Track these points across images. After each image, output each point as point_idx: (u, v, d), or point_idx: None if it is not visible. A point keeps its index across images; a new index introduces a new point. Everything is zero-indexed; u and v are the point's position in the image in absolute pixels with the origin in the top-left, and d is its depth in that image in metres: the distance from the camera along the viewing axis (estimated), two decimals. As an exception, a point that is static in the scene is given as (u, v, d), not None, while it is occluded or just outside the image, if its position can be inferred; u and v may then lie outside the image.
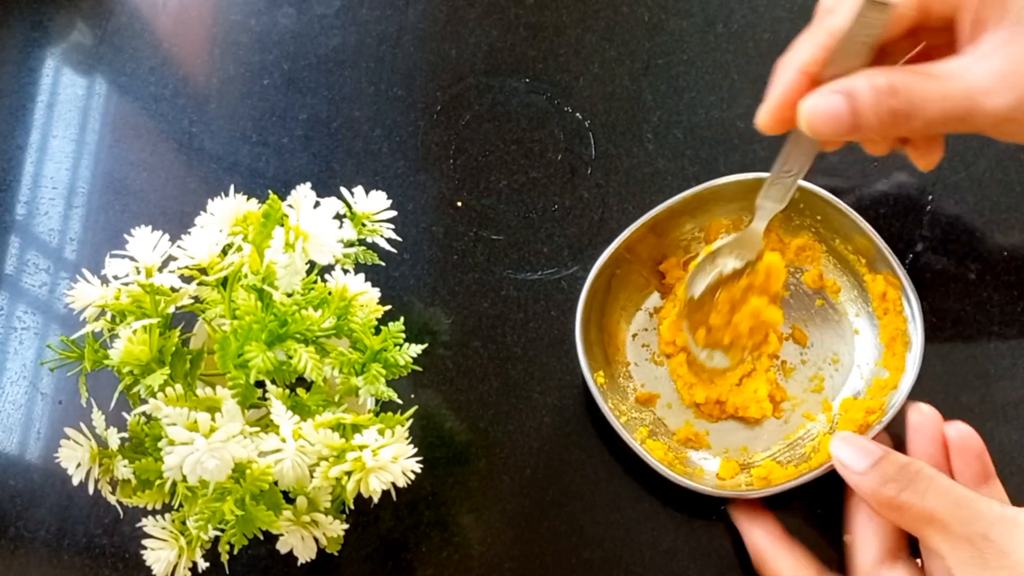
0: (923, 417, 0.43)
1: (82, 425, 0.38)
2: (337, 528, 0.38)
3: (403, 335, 0.38)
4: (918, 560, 0.41)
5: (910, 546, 0.42)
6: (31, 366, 0.51)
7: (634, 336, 0.50)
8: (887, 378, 0.46)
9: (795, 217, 0.49)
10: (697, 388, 0.48)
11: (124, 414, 0.38)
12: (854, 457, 0.41)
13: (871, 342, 0.48)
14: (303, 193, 0.37)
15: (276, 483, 0.35)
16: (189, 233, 0.38)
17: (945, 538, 0.38)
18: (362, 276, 0.39)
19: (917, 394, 0.48)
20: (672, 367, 0.49)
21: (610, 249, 0.47)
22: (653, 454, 0.45)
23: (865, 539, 0.42)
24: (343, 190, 0.41)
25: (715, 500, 0.47)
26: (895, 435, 0.45)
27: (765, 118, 0.41)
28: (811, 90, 0.39)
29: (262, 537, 0.36)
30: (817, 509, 0.46)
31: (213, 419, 0.34)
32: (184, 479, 0.34)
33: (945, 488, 0.39)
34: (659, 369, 0.50)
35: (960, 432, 0.43)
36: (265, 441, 0.35)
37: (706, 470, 0.47)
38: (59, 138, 0.55)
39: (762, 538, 0.44)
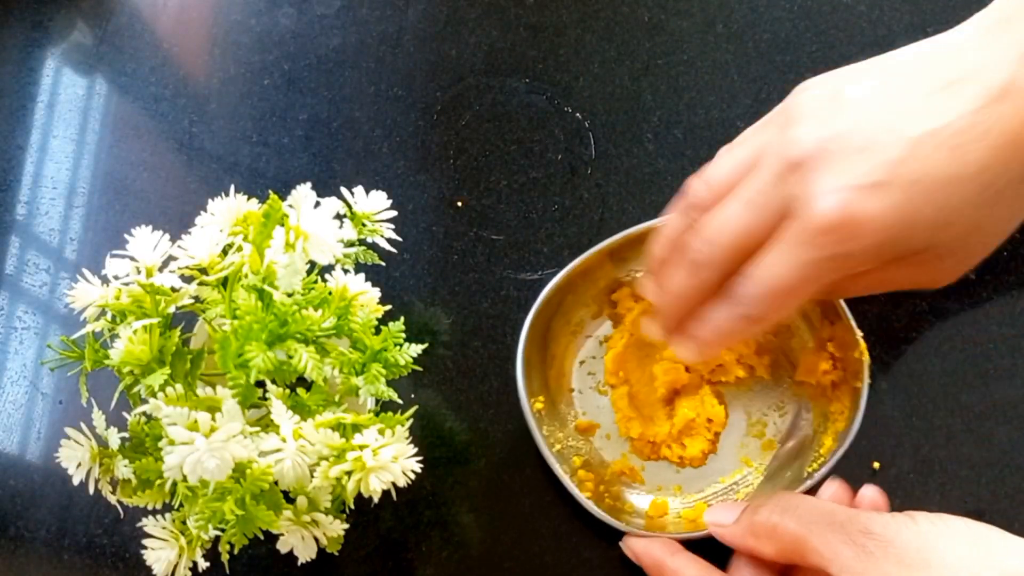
0: (838, 490, 0.43)
1: (82, 425, 0.38)
2: (337, 528, 0.38)
3: (403, 335, 0.38)
4: None
5: None
6: (31, 366, 0.51)
7: (581, 363, 0.49)
8: (837, 425, 0.45)
9: None
10: (634, 423, 0.47)
11: (124, 414, 0.38)
12: (724, 514, 0.41)
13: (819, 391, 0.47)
14: (303, 193, 0.37)
15: (276, 483, 0.35)
16: (189, 233, 0.38)
17: (825, 546, 0.36)
18: (362, 276, 0.39)
19: (913, 403, 0.48)
20: (614, 399, 0.48)
21: (563, 273, 0.47)
22: (582, 485, 0.45)
23: None
24: (343, 190, 0.41)
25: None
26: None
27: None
28: None
29: (262, 537, 0.36)
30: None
31: (213, 419, 0.34)
32: (184, 479, 0.34)
33: (817, 504, 0.38)
34: (602, 399, 0.49)
35: (872, 495, 0.43)
36: (265, 441, 0.35)
37: (636, 507, 0.46)
38: (59, 138, 0.55)
39: (661, 552, 0.43)
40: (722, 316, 0.37)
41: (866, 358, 0.44)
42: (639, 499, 0.46)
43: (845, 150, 0.32)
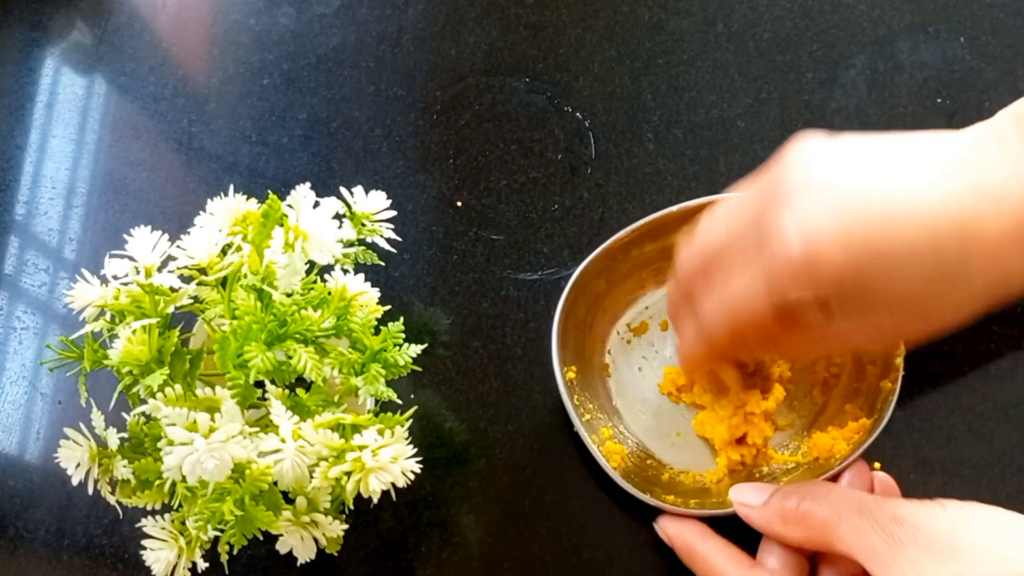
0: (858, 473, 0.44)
1: (81, 425, 0.38)
2: (337, 528, 0.38)
3: (403, 335, 0.38)
4: None
5: None
6: (30, 366, 0.51)
7: (618, 333, 0.50)
8: (859, 423, 0.45)
9: None
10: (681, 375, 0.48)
11: (123, 414, 0.38)
12: (752, 495, 0.41)
13: (847, 384, 0.47)
14: (303, 193, 0.37)
15: (276, 483, 0.35)
16: (188, 233, 0.38)
17: (854, 533, 0.36)
18: (362, 276, 0.39)
19: (914, 401, 0.48)
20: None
21: (603, 247, 0.47)
22: (610, 458, 0.45)
23: None
24: (343, 190, 0.41)
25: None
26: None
27: None
28: None
29: (261, 537, 0.36)
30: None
31: (212, 419, 0.34)
32: (183, 479, 0.34)
33: (845, 491, 0.39)
34: (636, 373, 0.49)
35: (883, 480, 0.44)
36: (264, 441, 0.35)
37: (661, 481, 0.46)
38: (58, 138, 0.55)
39: (692, 535, 0.43)
40: (689, 328, 0.40)
41: (900, 370, 0.44)
42: (664, 473, 0.47)
43: (824, 195, 0.33)
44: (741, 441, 0.46)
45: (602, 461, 0.44)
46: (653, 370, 0.49)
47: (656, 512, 0.45)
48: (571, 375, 0.46)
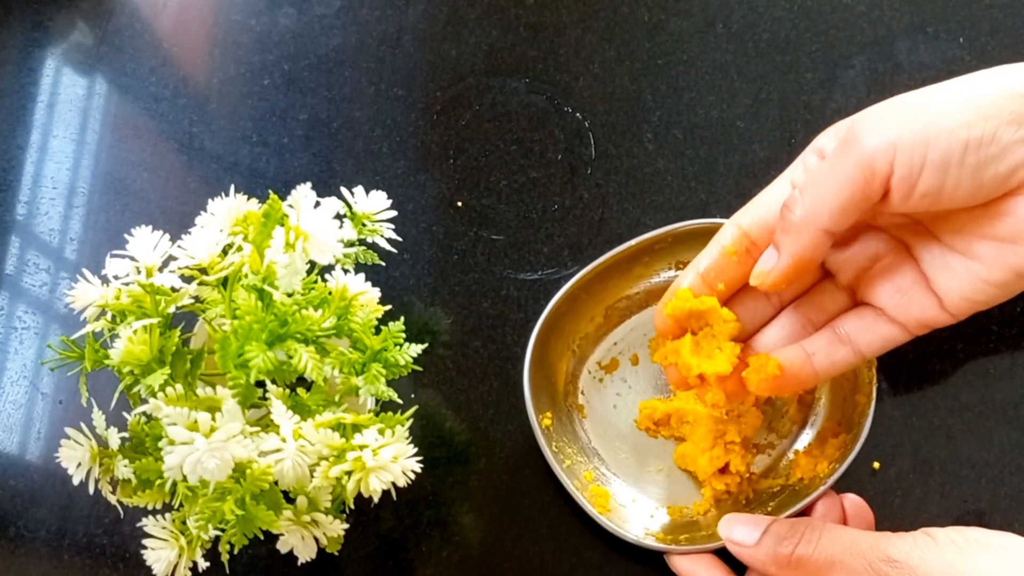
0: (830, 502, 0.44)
1: (82, 425, 0.38)
2: (337, 528, 0.38)
3: (403, 335, 0.38)
4: None
5: None
6: (31, 366, 0.51)
7: (589, 372, 0.49)
8: (839, 439, 0.45)
9: None
10: (656, 402, 0.47)
11: (124, 414, 0.38)
12: (744, 532, 0.41)
13: (823, 402, 0.47)
14: (303, 193, 0.37)
15: (276, 483, 0.35)
16: (189, 233, 0.38)
17: None
18: (362, 276, 0.39)
19: (913, 401, 0.48)
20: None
21: (564, 289, 0.47)
22: (596, 500, 0.45)
23: None
24: (343, 190, 0.41)
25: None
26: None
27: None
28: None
29: (262, 537, 0.36)
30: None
31: (213, 419, 0.34)
32: (184, 479, 0.34)
33: (838, 531, 0.39)
34: (611, 412, 0.49)
35: (854, 503, 0.44)
36: (265, 441, 0.35)
37: (649, 520, 0.46)
38: (59, 138, 0.55)
39: (706, 572, 0.43)
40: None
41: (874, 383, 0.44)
42: (653, 512, 0.47)
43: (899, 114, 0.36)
44: (724, 470, 0.46)
45: (588, 507, 0.44)
46: (628, 406, 0.49)
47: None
48: (547, 422, 0.46)
